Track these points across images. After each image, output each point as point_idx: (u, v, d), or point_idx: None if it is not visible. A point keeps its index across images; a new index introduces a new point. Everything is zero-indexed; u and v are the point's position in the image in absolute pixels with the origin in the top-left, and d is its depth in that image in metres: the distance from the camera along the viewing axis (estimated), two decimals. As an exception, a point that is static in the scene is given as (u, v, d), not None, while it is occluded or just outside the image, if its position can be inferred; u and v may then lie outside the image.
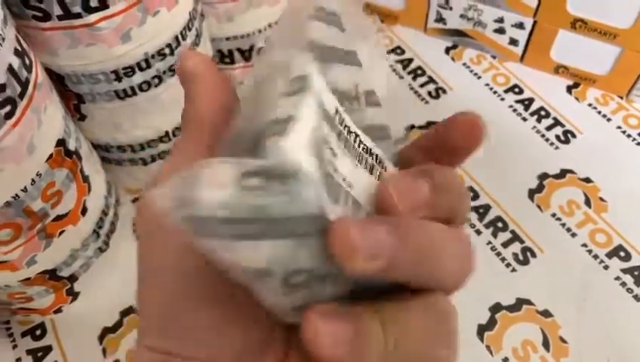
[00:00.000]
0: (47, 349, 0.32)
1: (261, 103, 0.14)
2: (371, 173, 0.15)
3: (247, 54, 0.40)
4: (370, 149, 0.15)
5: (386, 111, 0.17)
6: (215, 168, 0.12)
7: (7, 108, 0.23)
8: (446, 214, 0.14)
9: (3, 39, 0.22)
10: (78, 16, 0.26)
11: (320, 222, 0.12)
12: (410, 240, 0.12)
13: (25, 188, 0.25)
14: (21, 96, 0.24)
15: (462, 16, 0.41)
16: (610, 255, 0.34)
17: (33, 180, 0.25)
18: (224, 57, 0.40)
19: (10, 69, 0.23)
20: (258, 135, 0.13)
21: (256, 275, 0.13)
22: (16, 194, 0.25)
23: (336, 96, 0.15)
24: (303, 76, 0.14)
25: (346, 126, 0.15)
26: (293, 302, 0.13)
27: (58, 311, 0.33)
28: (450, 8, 0.41)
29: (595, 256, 0.34)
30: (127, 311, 0.33)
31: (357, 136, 0.15)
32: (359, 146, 0.15)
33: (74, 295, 0.33)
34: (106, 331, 0.33)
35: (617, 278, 0.33)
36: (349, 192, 0.13)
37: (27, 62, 0.25)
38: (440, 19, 0.42)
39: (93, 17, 0.26)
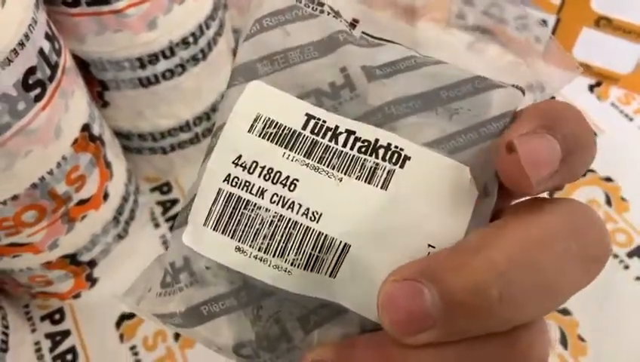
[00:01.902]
0: (66, 333, 0.33)
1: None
2: (368, 182, 0.13)
3: (267, 47, 0.40)
4: (374, 143, 0.13)
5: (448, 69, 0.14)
6: (144, 273, 0.14)
7: (37, 90, 0.23)
8: (572, 178, 0.12)
9: (36, 23, 0.23)
10: (107, 2, 0.26)
11: (244, 294, 0.13)
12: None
13: (51, 170, 0.26)
14: (50, 79, 0.24)
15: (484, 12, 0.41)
16: (630, 254, 0.34)
17: (59, 163, 0.26)
18: (245, 49, 0.40)
19: (41, 52, 0.23)
20: (179, 219, 0.14)
21: (215, 350, 0.14)
22: (43, 177, 0.25)
23: (312, 97, 0.14)
24: (219, 126, 0.14)
25: (327, 130, 0.13)
26: None
27: (77, 296, 0.33)
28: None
29: (616, 256, 0.34)
30: (144, 298, 0.33)
31: (350, 135, 0.13)
32: (352, 149, 0.13)
33: (93, 281, 0.33)
34: (124, 317, 0.33)
35: (638, 278, 0.33)
36: (298, 233, 0.13)
37: (57, 46, 0.25)
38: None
39: (121, 4, 0.26)
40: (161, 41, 0.29)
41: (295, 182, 0.13)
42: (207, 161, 0.13)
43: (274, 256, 0.13)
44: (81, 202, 0.29)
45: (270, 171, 0.13)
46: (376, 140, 0.13)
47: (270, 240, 0.13)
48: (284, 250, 0.13)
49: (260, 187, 0.13)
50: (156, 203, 0.37)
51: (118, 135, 0.34)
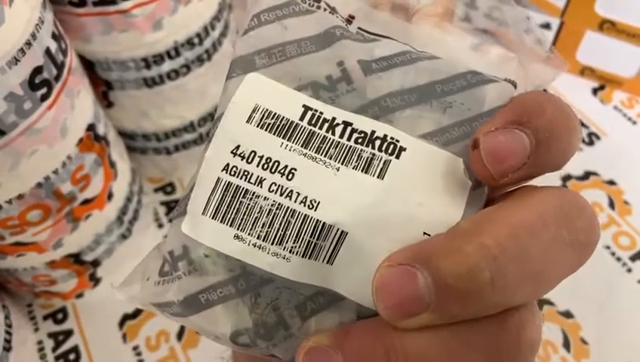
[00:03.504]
0: (69, 333, 0.33)
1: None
2: (365, 171, 0.13)
3: (271, 48, 0.40)
4: (370, 135, 0.13)
5: (438, 62, 0.14)
6: (142, 263, 0.15)
7: (44, 90, 0.23)
8: (551, 168, 0.12)
9: (42, 22, 0.23)
10: (113, 2, 0.26)
11: (242, 282, 0.13)
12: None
13: (56, 170, 0.26)
14: (57, 79, 0.24)
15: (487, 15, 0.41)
16: (633, 258, 0.34)
17: (64, 163, 0.26)
18: (249, 50, 0.40)
19: (48, 52, 0.23)
20: (179, 208, 0.14)
21: (214, 339, 0.14)
22: (48, 176, 0.25)
23: (309, 89, 0.14)
24: (218, 116, 0.14)
25: (324, 121, 0.13)
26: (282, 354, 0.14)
27: (80, 295, 0.33)
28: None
29: (619, 259, 0.34)
30: (147, 298, 0.33)
31: (347, 126, 0.13)
32: (349, 139, 0.13)
33: (96, 280, 0.33)
34: (126, 317, 0.33)
35: (641, 281, 0.33)
36: (297, 221, 0.13)
37: (63, 46, 0.25)
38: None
39: (127, 4, 0.26)
40: (167, 41, 0.29)
41: (293, 171, 0.13)
42: (206, 150, 0.14)
43: (272, 243, 0.13)
44: (86, 202, 0.29)
45: (268, 161, 0.13)
46: (373, 132, 0.13)
47: (269, 228, 0.13)
48: (282, 238, 0.13)
49: (258, 176, 0.13)
50: (160, 203, 0.37)
51: (122, 135, 0.34)
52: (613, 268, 0.33)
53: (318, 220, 0.13)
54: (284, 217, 0.13)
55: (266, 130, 0.13)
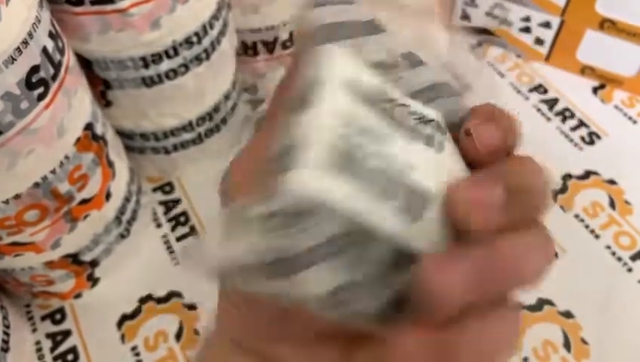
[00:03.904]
0: (67, 333, 0.33)
1: (280, 126, 0.15)
2: (429, 145, 0.15)
3: (270, 46, 0.40)
4: (425, 117, 0.15)
5: (439, 67, 0.16)
6: (224, 225, 0.14)
7: (41, 89, 0.23)
8: (524, 217, 0.15)
9: (39, 21, 0.23)
10: (111, 1, 0.26)
11: (357, 237, 0.13)
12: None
13: (53, 169, 0.25)
14: (54, 78, 0.24)
15: (487, 14, 0.41)
16: (634, 257, 0.34)
17: (61, 162, 0.26)
18: (247, 49, 0.40)
19: (45, 51, 0.23)
20: (276, 165, 0.14)
21: (301, 303, 0.14)
22: (45, 176, 0.25)
23: (373, 69, 0.15)
24: (315, 80, 0.14)
25: (391, 100, 0.15)
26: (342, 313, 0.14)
27: (78, 296, 0.33)
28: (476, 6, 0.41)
29: (619, 259, 0.34)
30: (145, 299, 0.33)
31: (407, 107, 0.15)
32: (411, 118, 0.15)
33: (94, 280, 0.33)
34: (125, 318, 0.33)
35: (641, 281, 0.33)
36: (402, 182, 0.14)
37: (60, 45, 0.25)
38: (465, 16, 0.42)
39: (125, 3, 0.26)
40: (165, 40, 0.29)
41: (386, 138, 0.14)
42: (308, 115, 0.14)
43: (383, 203, 0.13)
44: (84, 201, 0.28)
45: (366, 128, 0.14)
46: (425, 115, 0.15)
47: (379, 187, 0.13)
48: (392, 197, 0.14)
49: (359, 140, 0.14)
50: (158, 203, 0.37)
51: (120, 134, 0.34)
52: (613, 268, 0.33)
53: (416, 182, 0.14)
54: (392, 178, 0.14)
55: (356, 100, 0.14)
